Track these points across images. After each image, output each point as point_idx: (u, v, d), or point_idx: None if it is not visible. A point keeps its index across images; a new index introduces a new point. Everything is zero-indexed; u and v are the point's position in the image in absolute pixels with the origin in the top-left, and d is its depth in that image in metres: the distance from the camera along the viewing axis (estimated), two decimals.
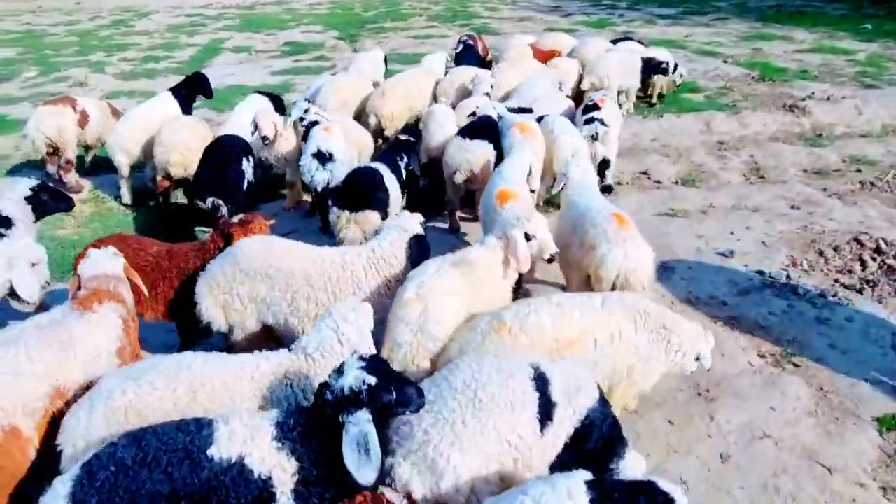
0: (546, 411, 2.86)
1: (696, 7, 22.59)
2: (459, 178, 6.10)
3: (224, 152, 6.25)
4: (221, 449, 2.48)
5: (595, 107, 6.96)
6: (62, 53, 15.95)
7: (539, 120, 6.58)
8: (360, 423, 2.44)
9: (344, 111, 8.29)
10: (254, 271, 4.06)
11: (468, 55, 10.52)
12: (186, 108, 7.88)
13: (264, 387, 3.02)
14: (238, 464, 2.46)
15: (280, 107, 7.82)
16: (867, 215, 6.73)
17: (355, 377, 2.49)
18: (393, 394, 2.52)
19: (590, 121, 6.81)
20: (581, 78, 9.04)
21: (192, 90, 8.09)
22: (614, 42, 10.93)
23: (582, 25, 19.04)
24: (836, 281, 5.61)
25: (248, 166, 6.31)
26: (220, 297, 4.11)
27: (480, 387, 2.83)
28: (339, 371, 2.55)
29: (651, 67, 9.70)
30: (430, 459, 2.64)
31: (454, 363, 3.08)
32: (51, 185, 5.47)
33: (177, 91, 7.89)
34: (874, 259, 5.86)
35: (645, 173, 8.13)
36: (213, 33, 19.07)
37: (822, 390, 4.36)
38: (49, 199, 5.17)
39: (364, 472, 2.42)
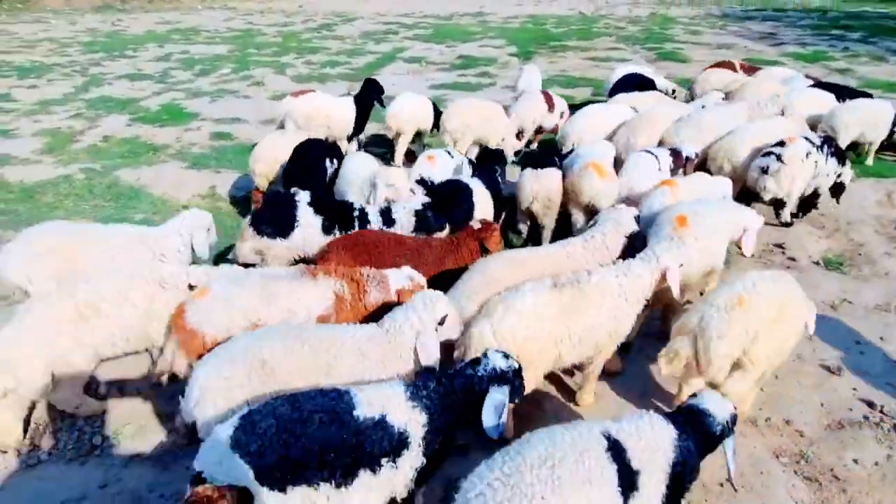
0: (629, 481, 2.78)
1: None
2: (537, 206, 6.22)
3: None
4: (366, 411, 2.98)
5: (782, 143, 6.66)
6: (261, 53, 17.68)
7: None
8: (504, 395, 3.21)
9: (468, 133, 8.18)
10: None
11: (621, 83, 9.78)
12: (360, 113, 8.49)
13: (360, 345, 3.62)
14: (385, 422, 2.97)
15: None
16: None
17: (504, 361, 3.27)
18: (523, 380, 3.33)
19: (767, 154, 6.64)
20: None
21: (369, 97, 8.60)
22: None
23: (791, 58, 16.84)
24: None
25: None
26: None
27: (557, 462, 2.68)
28: (485, 356, 3.31)
29: None
30: None
31: (527, 436, 2.91)
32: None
33: (357, 97, 8.58)
34: None
35: (780, 246, 6.80)
36: (399, 42, 19.91)
37: None
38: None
39: (494, 431, 3.19)
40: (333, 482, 2.86)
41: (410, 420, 3.04)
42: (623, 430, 2.93)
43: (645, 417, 3.04)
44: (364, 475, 2.93)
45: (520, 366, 3.31)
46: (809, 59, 16.50)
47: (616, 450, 2.81)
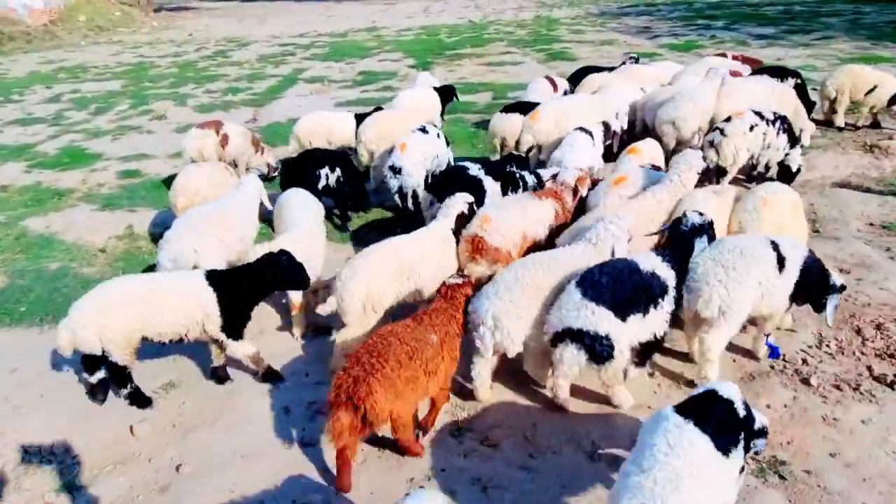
0: (781, 262, 4.50)
1: (801, 24, 20.94)
2: (496, 141, 8.62)
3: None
4: (646, 267, 4.36)
5: (728, 119, 7.49)
6: (158, 85, 17.17)
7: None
8: (704, 242, 4.59)
9: (383, 144, 8.31)
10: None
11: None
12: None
13: (579, 258, 4.73)
14: (656, 273, 4.35)
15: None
16: None
17: (700, 217, 4.63)
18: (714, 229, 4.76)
19: (714, 129, 7.54)
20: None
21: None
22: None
23: (667, 49, 18.16)
24: (868, 368, 4.84)
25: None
26: None
27: (743, 249, 4.49)
28: (685, 216, 4.68)
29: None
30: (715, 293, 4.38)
31: (724, 239, 4.76)
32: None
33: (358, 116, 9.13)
34: None
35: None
36: (297, 63, 19.85)
37: None
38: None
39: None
40: (641, 313, 4.26)
41: (667, 274, 4.42)
42: (777, 239, 4.62)
43: (795, 239, 4.77)
44: (651, 309, 4.32)
45: (711, 220, 4.71)
46: (682, 49, 17.83)
47: (775, 246, 4.54)
